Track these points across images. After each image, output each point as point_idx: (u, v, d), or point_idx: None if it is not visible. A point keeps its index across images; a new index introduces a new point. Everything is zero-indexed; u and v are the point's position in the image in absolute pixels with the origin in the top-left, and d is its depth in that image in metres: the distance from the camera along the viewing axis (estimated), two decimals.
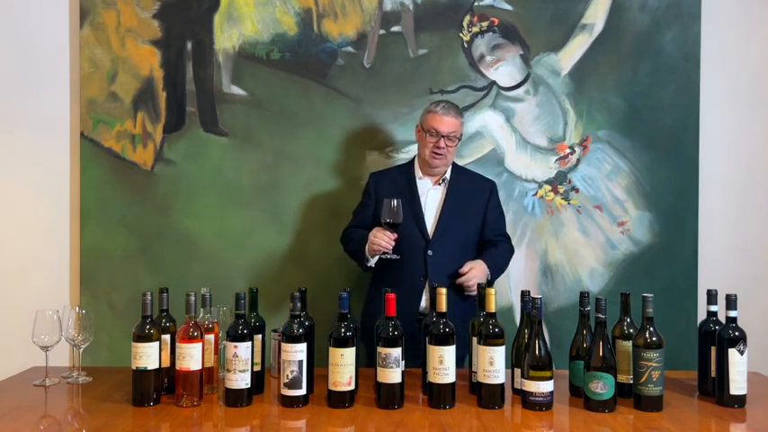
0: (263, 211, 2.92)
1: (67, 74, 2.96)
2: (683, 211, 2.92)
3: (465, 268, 2.35)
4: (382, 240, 2.30)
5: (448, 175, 2.52)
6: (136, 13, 2.92)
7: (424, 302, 2.41)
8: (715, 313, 1.95)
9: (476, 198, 2.53)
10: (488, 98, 2.94)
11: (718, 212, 2.96)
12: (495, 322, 1.80)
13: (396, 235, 2.31)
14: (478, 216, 2.51)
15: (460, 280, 2.35)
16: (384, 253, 2.32)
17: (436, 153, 2.43)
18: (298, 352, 1.77)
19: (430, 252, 2.42)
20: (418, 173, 2.53)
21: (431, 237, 2.44)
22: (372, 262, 2.43)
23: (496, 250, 2.48)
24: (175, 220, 2.92)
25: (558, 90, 2.94)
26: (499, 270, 2.49)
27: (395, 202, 2.27)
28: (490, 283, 2.41)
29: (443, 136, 2.41)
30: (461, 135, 2.50)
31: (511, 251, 2.58)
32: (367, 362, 2.34)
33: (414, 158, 2.59)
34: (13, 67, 2.94)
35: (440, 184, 2.51)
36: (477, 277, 2.32)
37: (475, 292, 2.26)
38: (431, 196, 2.50)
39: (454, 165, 2.57)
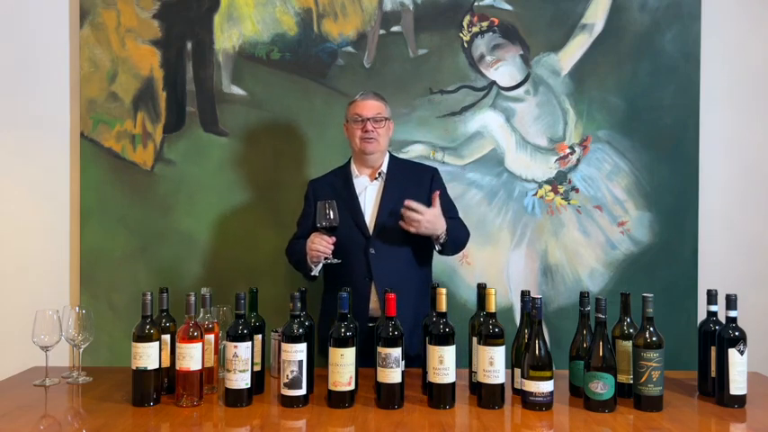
0: (263, 211, 2.92)
1: (67, 74, 2.96)
2: (683, 211, 2.92)
3: (420, 206, 2.19)
4: (320, 246, 2.21)
5: (384, 168, 2.43)
6: (136, 13, 2.92)
7: (372, 304, 2.30)
8: (715, 313, 1.95)
9: (416, 187, 2.39)
10: (488, 98, 2.93)
11: (718, 212, 2.96)
12: (495, 322, 1.80)
13: (334, 238, 2.22)
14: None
15: (409, 205, 2.18)
16: (326, 258, 2.23)
17: (365, 138, 2.36)
18: (298, 352, 1.77)
19: (372, 250, 2.32)
20: (354, 171, 2.44)
21: (370, 234, 2.35)
22: (316, 270, 2.34)
23: (453, 222, 2.34)
24: (175, 220, 2.92)
25: (558, 90, 2.93)
26: (455, 240, 2.33)
27: (327, 204, 2.19)
28: (443, 251, 2.34)
29: (368, 119, 2.35)
30: (389, 118, 2.43)
31: (467, 229, 2.45)
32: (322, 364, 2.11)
33: (350, 159, 2.51)
34: (12, 66, 2.94)
35: (377, 178, 2.43)
36: (427, 220, 2.19)
37: (410, 229, 2.18)
38: (369, 192, 2.41)
39: (392, 157, 2.50)
